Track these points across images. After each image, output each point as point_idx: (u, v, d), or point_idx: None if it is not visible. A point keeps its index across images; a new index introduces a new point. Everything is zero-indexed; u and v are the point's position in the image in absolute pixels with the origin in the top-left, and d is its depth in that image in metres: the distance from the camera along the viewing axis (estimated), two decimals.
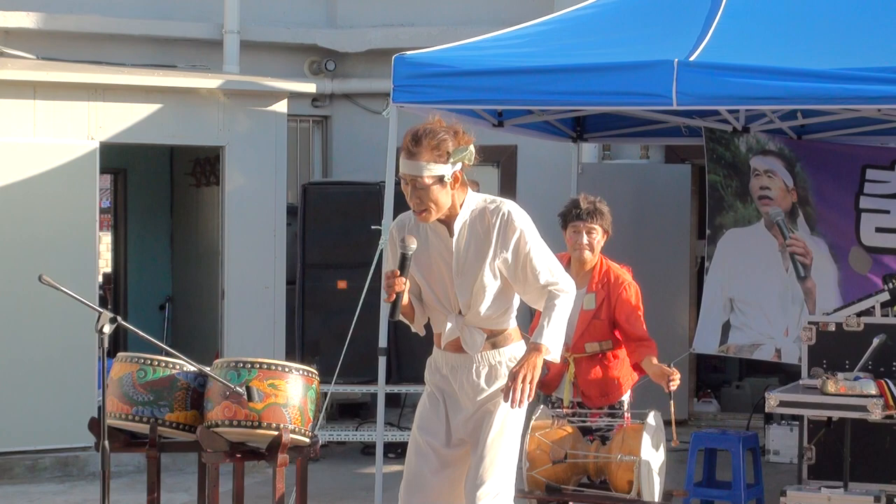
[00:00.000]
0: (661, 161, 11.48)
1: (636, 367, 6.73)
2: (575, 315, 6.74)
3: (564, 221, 6.73)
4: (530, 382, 4.73)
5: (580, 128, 10.13)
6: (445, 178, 4.79)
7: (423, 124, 4.85)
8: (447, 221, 4.93)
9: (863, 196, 9.36)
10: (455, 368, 5.02)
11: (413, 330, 5.20)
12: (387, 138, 7.80)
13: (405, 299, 4.93)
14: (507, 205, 4.92)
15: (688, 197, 10.99)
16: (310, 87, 11.18)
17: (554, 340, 4.85)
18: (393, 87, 7.65)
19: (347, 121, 12.19)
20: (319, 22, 12.15)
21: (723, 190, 9.75)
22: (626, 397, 6.82)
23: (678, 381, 6.53)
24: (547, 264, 4.92)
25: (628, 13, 8.20)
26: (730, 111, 9.04)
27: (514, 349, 5.03)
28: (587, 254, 6.70)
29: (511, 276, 4.94)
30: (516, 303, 5.06)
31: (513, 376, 4.76)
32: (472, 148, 4.84)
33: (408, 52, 7.81)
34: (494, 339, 5.00)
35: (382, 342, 7.96)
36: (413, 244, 4.88)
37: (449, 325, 4.99)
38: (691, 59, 7.18)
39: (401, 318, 4.96)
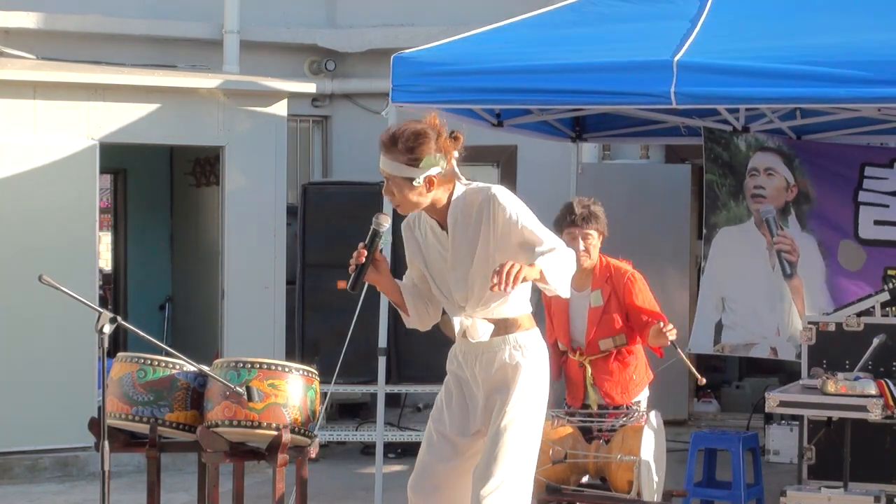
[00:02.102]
0: (660, 161, 11.48)
1: (656, 349, 6.68)
2: (584, 314, 6.73)
3: (559, 227, 6.52)
4: (516, 272, 4.59)
5: (579, 128, 10.12)
6: (414, 183, 4.80)
7: (406, 125, 4.85)
8: (441, 218, 4.94)
9: (862, 191, 9.35)
10: (467, 355, 5.05)
11: (409, 324, 5.18)
12: None
13: (380, 282, 5.00)
14: (494, 188, 4.89)
15: (687, 197, 10.98)
16: (310, 87, 11.18)
17: (548, 265, 4.71)
18: (392, 87, 7.64)
19: (347, 121, 12.18)
20: (319, 22, 12.14)
21: (718, 189, 9.73)
22: (643, 395, 6.79)
23: (674, 330, 6.43)
24: (542, 235, 4.84)
25: (627, 9, 8.19)
26: (730, 111, 9.03)
27: (523, 336, 5.00)
28: (586, 261, 6.62)
29: (510, 256, 4.84)
30: (523, 290, 4.99)
31: (498, 265, 4.66)
32: (442, 159, 4.80)
33: (406, 51, 7.79)
34: (502, 327, 4.98)
35: (382, 342, 7.97)
36: (386, 223, 4.94)
37: (456, 319, 5.00)
38: (691, 58, 7.17)
39: (354, 291, 5.00)
